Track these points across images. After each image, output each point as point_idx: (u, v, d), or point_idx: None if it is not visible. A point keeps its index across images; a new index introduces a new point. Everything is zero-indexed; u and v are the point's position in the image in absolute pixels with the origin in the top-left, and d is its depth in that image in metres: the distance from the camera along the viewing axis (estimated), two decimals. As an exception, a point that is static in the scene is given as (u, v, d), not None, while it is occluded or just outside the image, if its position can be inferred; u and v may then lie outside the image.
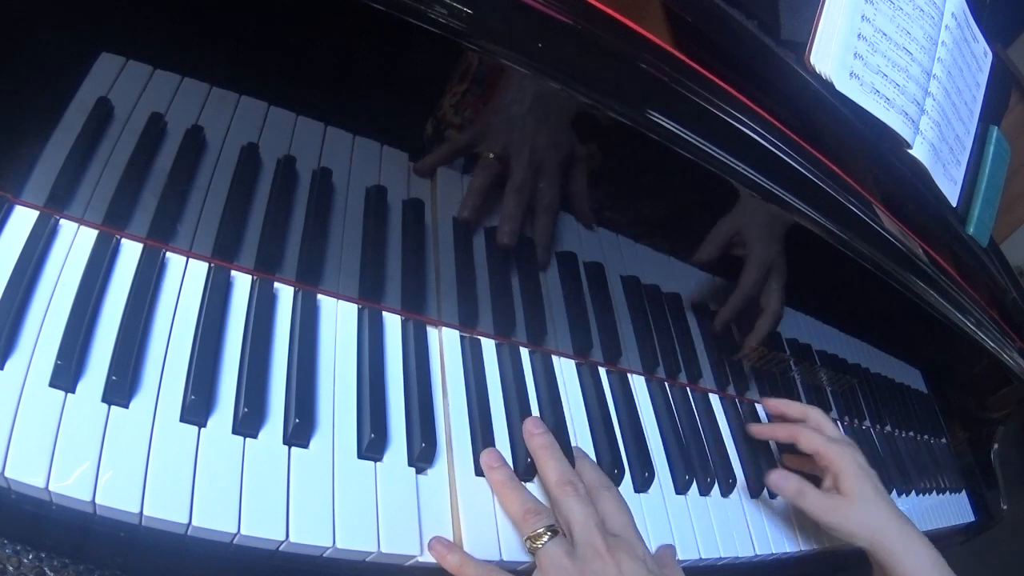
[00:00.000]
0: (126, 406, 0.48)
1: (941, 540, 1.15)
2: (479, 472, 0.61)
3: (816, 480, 0.77)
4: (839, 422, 1.06)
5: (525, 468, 0.62)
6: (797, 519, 0.84)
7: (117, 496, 0.44)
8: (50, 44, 0.47)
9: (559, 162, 0.63)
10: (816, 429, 0.78)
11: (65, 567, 0.47)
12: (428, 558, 0.54)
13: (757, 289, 0.79)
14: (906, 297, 0.85)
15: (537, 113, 0.59)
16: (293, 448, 0.52)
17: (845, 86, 0.72)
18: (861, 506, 0.70)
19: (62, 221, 0.53)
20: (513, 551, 0.58)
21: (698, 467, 0.77)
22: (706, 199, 0.71)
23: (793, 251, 0.78)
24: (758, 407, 0.92)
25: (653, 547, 0.67)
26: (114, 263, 0.53)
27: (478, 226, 0.66)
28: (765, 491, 0.84)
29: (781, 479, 0.75)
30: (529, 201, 0.65)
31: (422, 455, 0.57)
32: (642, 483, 0.71)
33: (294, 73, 0.55)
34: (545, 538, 0.55)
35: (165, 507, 0.45)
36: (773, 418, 0.87)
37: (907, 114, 0.78)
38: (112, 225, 0.54)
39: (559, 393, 0.70)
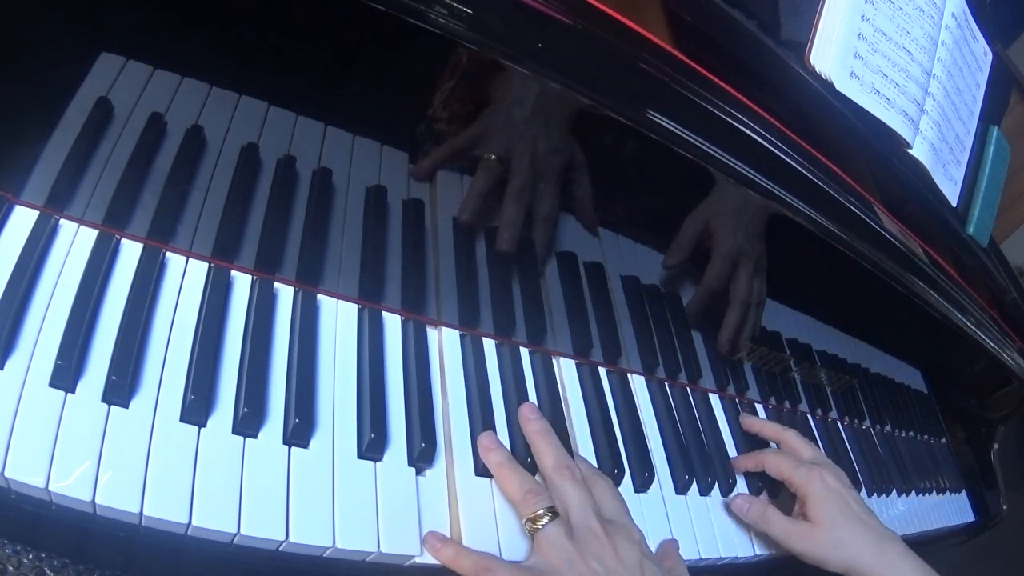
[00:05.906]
0: (126, 406, 0.48)
1: (941, 540, 1.15)
2: (479, 472, 0.61)
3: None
4: (839, 422, 1.06)
5: (525, 467, 0.62)
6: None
7: (117, 496, 0.44)
8: (50, 44, 0.47)
9: (561, 166, 0.62)
10: (790, 452, 0.75)
11: (65, 567, 0.47)
12: (428, 558, 0.54)
13: (722, 282, 0.77)
14: (906, 297, 0.85)
15: (539, 115, 0.58)
16: (293, 448, 0.52)
17: (845, 86, 0.72)
18: (829, 531, 0.66)
19: (62, 221, 0.53)
20: (514, 551, 0.58)
21: (698, 467, 0.77)
22: (705, 198, 0.71)
23: (792, 251, 0.78)
24: (758, 407, 0.92)
25: (654, 546, 0.67)
26: (114, 263, 0.53)
27: (479, 228, 0.66)
28: (765, 492, 0.84)
29: (744, 502, 0.72)
30: (530, 206, 0.65)
31: (422, 455, 0.57)
32: (642, 483, 0.71)
33: (294, 73, 0.55)
34: (545, 519, 0.55)
35: (165, 507, 0.45)
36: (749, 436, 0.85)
37: (907, 114, 0.78)
38: (112, 225, 0.54)
39: (559, 393, 0.71)
